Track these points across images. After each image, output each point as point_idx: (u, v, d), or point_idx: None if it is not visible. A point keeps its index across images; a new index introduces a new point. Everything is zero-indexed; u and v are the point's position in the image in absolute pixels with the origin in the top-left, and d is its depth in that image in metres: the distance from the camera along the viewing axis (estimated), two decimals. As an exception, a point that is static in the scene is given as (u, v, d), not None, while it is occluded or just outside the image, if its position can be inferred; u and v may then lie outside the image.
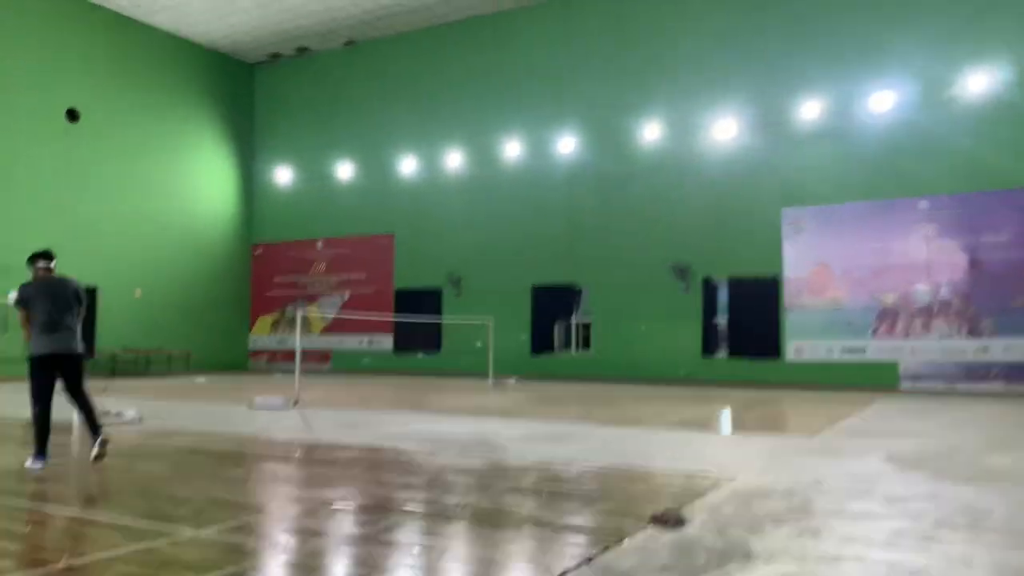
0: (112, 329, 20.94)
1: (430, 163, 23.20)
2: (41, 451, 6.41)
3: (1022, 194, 16.21)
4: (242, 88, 26.23)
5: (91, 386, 6.89)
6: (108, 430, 8.57)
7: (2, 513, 4.90)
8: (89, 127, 21.26)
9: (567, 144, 21.03)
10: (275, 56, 25.74)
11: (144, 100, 22.84)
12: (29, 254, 6.74)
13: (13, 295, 13.17)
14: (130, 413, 9.91)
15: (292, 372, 13.84)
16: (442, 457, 7.23)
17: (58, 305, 6.48)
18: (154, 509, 5.02)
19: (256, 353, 26.09)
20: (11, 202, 19.26)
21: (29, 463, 6.36)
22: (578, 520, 4.79)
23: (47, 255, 6.70)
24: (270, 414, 11.21)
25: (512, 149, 21.76)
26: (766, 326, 18.46)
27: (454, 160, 22.72)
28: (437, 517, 4.86)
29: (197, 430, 9.26)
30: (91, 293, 20.29)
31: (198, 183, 24.59)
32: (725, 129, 19.08)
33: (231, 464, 6.93)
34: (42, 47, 20.16)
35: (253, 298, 26.28)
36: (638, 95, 20.27)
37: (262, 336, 26.05)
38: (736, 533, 4.38)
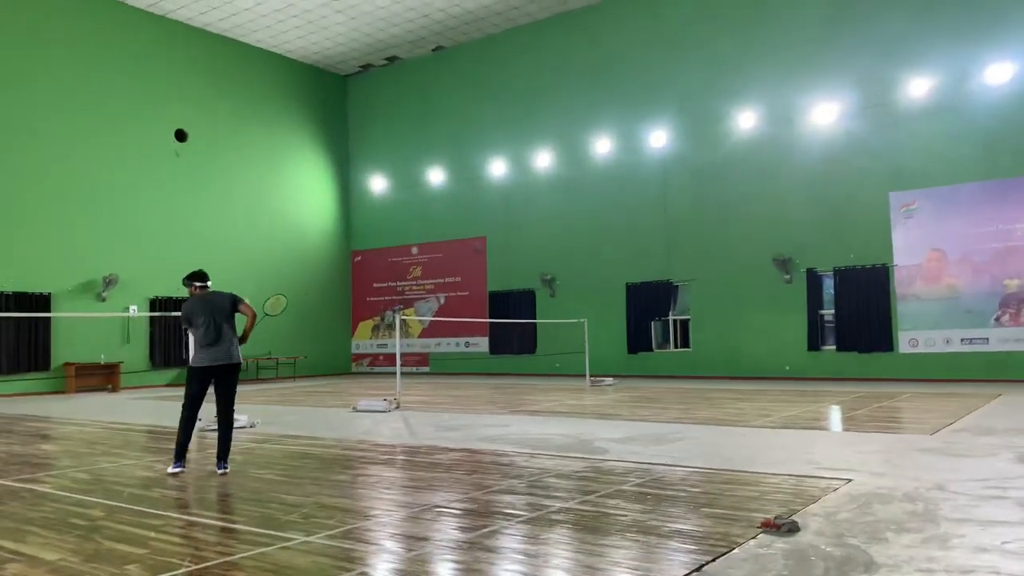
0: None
1: (520, 164, 23.25)
2: (180, 456, 6.93)
3: None
4: (336, 100, 27.02)
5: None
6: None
7: (129, 518, 5.17)
8: (197, 146, 22.36)
9: (659, 137, 20.63)
10: (366, 67, 26.39)
11: (246, 117, 23.85)
12: (184, 275, 7.41)
13: (135, 309, 13.89)
14: (242, 419, 10.33)
15: (392, 374, 14.13)
16: (542, 460, 7.19)
17: (216, 318, 6.94)
18: (267, 514, 5.19)
19: (358, 356, 26.84)
20: (128, 221, 20.46)
21: (170, 468, 6.88)
22: (684, 526, 4.65)
23: (201, 276, 7.29)
24: (373, 417, 11.47)
25: (603, 145, 21.52)
26: (877, 317, 17.56)
27: (544, 159, 22.68)
28: (540, 521, 4.82)
29: (304, 434, 9.57)
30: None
31: (299, 194, 25.49)
32: (826, 112, 18.26)
33: (338, 468, 7.10)
34: (152, 71, 21.34)
35: (354, 303, 27.04)
36: (732, 82, 19.68)
37: (363, 340, 26.76)
38: (855, 541, 4.15)
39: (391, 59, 25.73)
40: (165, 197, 21.38)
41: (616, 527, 4.65)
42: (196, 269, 7.44)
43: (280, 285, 24.17)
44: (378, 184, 26.45)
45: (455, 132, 24.71)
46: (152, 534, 4.70)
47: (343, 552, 4.26)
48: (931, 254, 17.09)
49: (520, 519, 4.91)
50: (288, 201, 25.02)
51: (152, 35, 21.37)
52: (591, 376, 17.90)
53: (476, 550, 4.23)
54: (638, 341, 20.80)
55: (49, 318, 18.35)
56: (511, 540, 4.46)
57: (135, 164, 20.77)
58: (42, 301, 18.43)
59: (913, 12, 17.46)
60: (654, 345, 20.80)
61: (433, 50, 25.00)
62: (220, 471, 6.81)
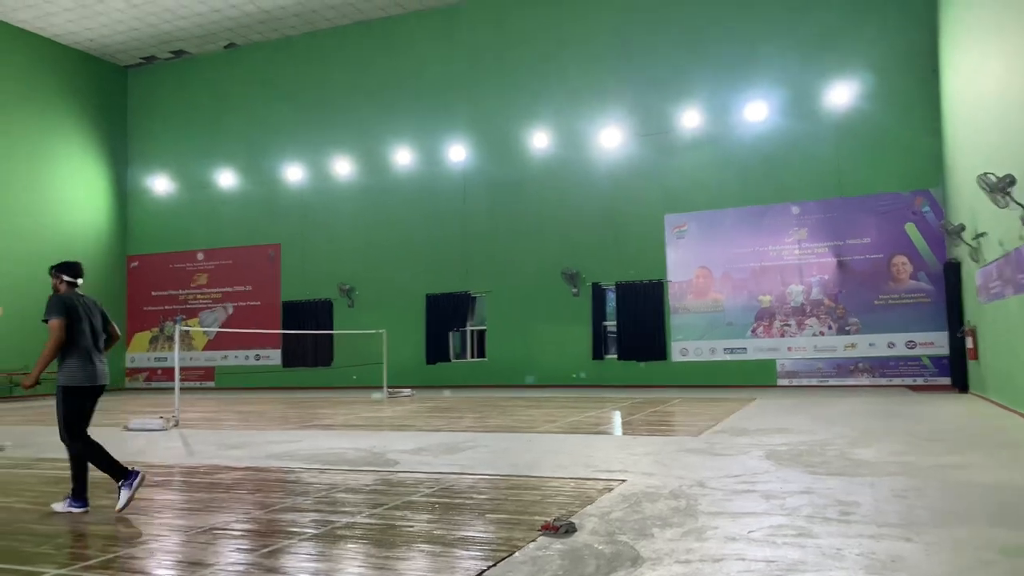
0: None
1: (318, 170, 22.68)
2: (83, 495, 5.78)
3: (878, 200, 17.40)
4: (113, 92, 24.83)
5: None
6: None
7: None
8: (-62, 132, 19.62)
9: (458, 151, 21.03)
10: (149, 59, 24.52)
11: (4, 102, 21.25)
12: (53, 263, 6.21)
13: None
14: (-12, 442, 9.16)
15: (172, 390, 13.18)
16: (331, 475, 7.04)
17: (97, 328, 6.12)
18: (13, 548, 4.64)
19: (133, 371, 24.72)
20: None
21: (77, 509, 5.68)
22: (469, 532, 4.75)
23: (77, 269, 6.20)
24: (147, 436, 10.63)
25: (403, 157, 21.55)
26: (653, 329, 19.03)
27: (343, 168, 22.29)
28: (325, 538, 4.71)
29: (61, 457, 8.64)
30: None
31: (67, 192, 23.07)
32: (611, 137, 19.58)
33: (100, 493, 6.48)
34: None
35: (129, 313, 24.88)
36: (527, 104, 20.51)
37: (139, 353, 24.70)
38: (625, 538, 4.46)
39: (177, 52, 24.14)
40: None
41: (403, 539, 4.65)
42: (70, 260, 6.26)
43: (41, 292, 21.75)
44: (160, 184, 24.63)
45: (248, 134, 23.62)
46: None
47: (103, 585, 3.91)
48: (699, 271, 18.82)
49: (304, 536, 4.77)
50: (52, 200, 22.60)
51: None
52: (389, 387, 17.79)
53: (257, 570, 4.05)
54: (437, 351, 20.99)
55: None
56: (294, 559, 4.32)
57: None
58: None
59: (687, 48, 19.20)
60: (452, 355, 21.09)
61: (225, 47, 23.78)
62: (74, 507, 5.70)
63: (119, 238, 24.83)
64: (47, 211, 22.37)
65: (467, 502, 5.71)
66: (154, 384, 24.21)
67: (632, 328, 19.24)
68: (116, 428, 11.77)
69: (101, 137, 24.37)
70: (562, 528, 4.58)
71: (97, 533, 5.01)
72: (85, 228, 23.61)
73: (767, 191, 18.33)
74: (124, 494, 5.59)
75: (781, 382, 17.95)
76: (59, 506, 5.72)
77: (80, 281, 6.12)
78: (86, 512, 5.63)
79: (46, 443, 9.93)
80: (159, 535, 4.97)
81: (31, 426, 12.75)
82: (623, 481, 6.27)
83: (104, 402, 18.42)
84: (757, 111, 18.40)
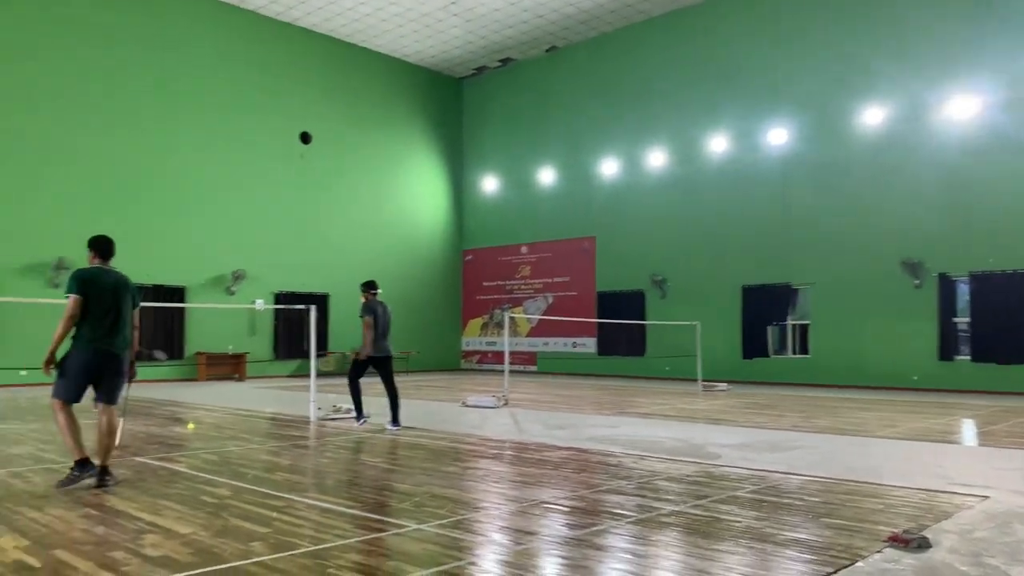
0: (342, 333, 22.76)
1: (632, 163, 22.99)
2: (360, 413, 9.79)
3: None
4: (451, 102, 27.56)
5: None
6: (340, 424, 9.32)
7: (253, 498, 5.43)
8: (319, 148, 23.32)
9: (779, 135, 19.90)
10: (480, 69, 26.78)
11: (365, 119, 24.68)
12: (363, 281, 10.17)
13: (261, 303, 14.83)
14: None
15: (501, 372, 14.26)
16: (651, 462, 7.07)
17: (386, 318, 9.84)
18: (380, 502, 5.34)
19: (468, 353, 27.26)
20: (255, 220, 21.55)
21: (359, 423, 9.64)
22: (802, 535, 4.46)
23: (375, 285, 10.00)
24: (482, 413, 11.62)
25: (718, 143, 20.98)
26: (1018, 326, 16.30)
27: (656, 158, 22.33)
28: (649, 523, 4.73)
29: (415, 426, 9.80)
30: (323, 299, 22.24)
31: (414, 195, 26.16)
32: (964, 107, 17.10)
33: (448, 460, 7.22)
34: (279, 77, 22.41)
35: (464, 301, 27.50)
36: (857, 79, 18.71)
37: (473, 337, 27.17)
38: (995, 562, 3.86)
39: (505, 61, 26.01)
40: (289, 197, 22.40)
41: (729, 533, 4.51)
42: (370, 279, 10.16)
43: (394, 283, 24.92)
44: (490, 184, 26.81)
45: (568, 132, 24.71)
46: (274, 514, 4.92)
47: (453, 541, 4.32)
48: (1083, 259, 15.69)
49: (629, 519, 4.84)
50: (403, 201, 25.72)
51: (280, 42, 22.45)
52: (703, 381, 17.48)
53: (584, 547, 4.20)
54: (753, 346, 20.14)
55: (183, 309, 19.63)
56: (620, 539, 4.40)
57: (262, 166, 21.87)
58: (177, 293, 19.71)
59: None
60: (770, 351, 20.08)
61: (547, 50, 25.09)
62: (394, 428, 9.34)
63: (456, 234, 27.52)
64: (399, 212, 25.54)
65: (797, 503, 5.37)
66: (484, 366, 26.46)
67: (991, 325, 16.65)
68: (455, 404, 13.06)
69: (441, 144, 27.20)
70: (913, 542, 4.09)
71: (446, 496, 5.56)
72: (428, 226, 26.55)
73: None
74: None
75: None
76: None
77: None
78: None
79: (402, 414, 11.32)
80: (498, 504, 5.38)
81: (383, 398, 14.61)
82: (986, 498, 5.45)
83: (443, 379, 20.57)
84: None
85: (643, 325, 21.78)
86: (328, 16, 22.24)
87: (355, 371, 9.75)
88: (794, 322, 19.93)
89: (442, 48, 24.82)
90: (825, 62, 19.38)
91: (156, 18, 19.86)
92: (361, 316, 9.63)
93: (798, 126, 19.72)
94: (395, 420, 9.48)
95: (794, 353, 19.97)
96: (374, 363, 9.64)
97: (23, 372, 14.38)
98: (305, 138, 23.03)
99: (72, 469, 5.79)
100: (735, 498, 5.49)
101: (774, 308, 19.94)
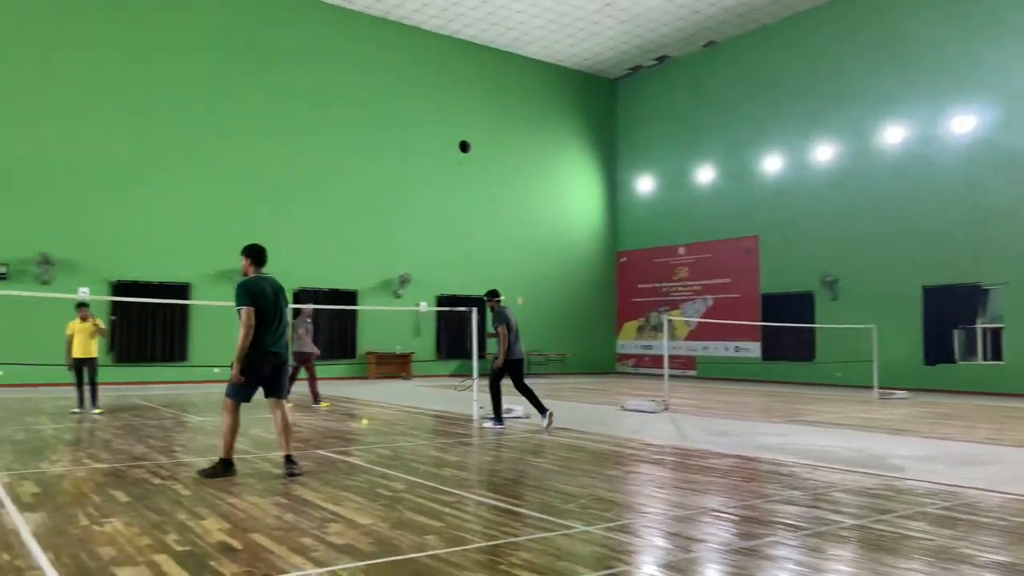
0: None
1: (796, 159, 21.91)
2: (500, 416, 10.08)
3: None
4: (604, 103, 27.48)
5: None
6: (492, 426, 9.52)
7: (425, 492, 5.66)
8: (478, 155, 23.99)
9: (964, 122, 18.27)
10: (635, 68, 26.51)
11: (521, 125, 25.12)
12: (489, 290, 10.67)
13: (424, 305, 15.51)
14: (518, 410, 10.89)
15: (658, 376, 14.02)
16: (826, 473, 6.70)
17: (516, 323, 10.24)
18: (546, 501, 5.41)
19: (623, 357, 27.04)
20: (419, 226, 22.49)
21: (495, 426, 9.86)
22: (1007, 558, 4.06)
23: (498, 293, 10.53)
24: (641, 417, 11.48)
25: (894, 134, 19.55)
26: None
27: (824, 153, 21.15)
28: (828, 536, 4.49)
29: (575, 428, 9.84)
30: (482, 302, 22.83)
31: (570, 197, 26.31)
32: None
33: (610, 463, 7.19)
34: (439, 87, 23.30)
35: (619, 304, 27.30)
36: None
37: (628, 341, 26.91)
38: None
39: (661, 59, 25.61)
40: (450, 203, 23.20)
41: (919, 551, 4.19)
42: (493, 288, 10.73)
43: (548, 285, 25.18)
44: (644, 185, 26.47)
45: (726, 129, 23.94)
46: (446, 509, 5.10)
47: (621, 545, 4.30)
48: None
49: (806, 531, 4.61)
50: (558, 204, 25.93)
51: (440, 55, 23.31)
52: (879, 388, 16.35)
53: (757, 558, 4.04)
54: (937, 351, 18.60)
55: (355, 311, 20.82)
56: (795, 552, 4.20)
57: (425, 174, 22.80)
58: (349, 297, 20.93)
59: None
60: (957, 356, 18.46)
61: (704, 46, 24.45)
62: (545, 420, 9.68)
63: (610, 236, 27.39)
64: (554, 215, 25.76)
65: (998, 522, 4.90)
66: (640, 370, 26.13)
67: None
68: (613, 407, 12.99)
69: (594, 146, 27.17)
70: None
71: (610, 499, 5.54)
72: (582, 228, 26.60)
73: None
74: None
75: None
76: None
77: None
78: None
79: (560, 416, 11.40)
80: (664, 509, 5.30)
81: (545, 399, 14.77)
82: None
83: (598, 382, 20.53)
84: None
85: (812, 329, 20.70)
86: (485, 27, 22.84)
87: (496, 377, 10.07)
88: (984, 325, 18.21)
89: (596, 50, 24.81)
90: (1020, 42, 17.59)
91: (338, 39, 21.22)
92: (495, 326, 10.06)
93: (987, 112, 18.02)
94: (542, 410, 9.74)
95: (985, 359, 18.24)
96: (510, 366, 9.98)
97: (216, 370, 15.84)
98: (464, 147, 23.76)
99: (217, 464, 6.31)
100: (924, 514, 5.09)
101: (960, 310, 18.31)
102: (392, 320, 21.61)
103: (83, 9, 18.00)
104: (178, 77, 18.95)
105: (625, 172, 27.33)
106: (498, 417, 10.02)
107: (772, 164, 22.47)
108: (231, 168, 19.51)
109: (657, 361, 23.42)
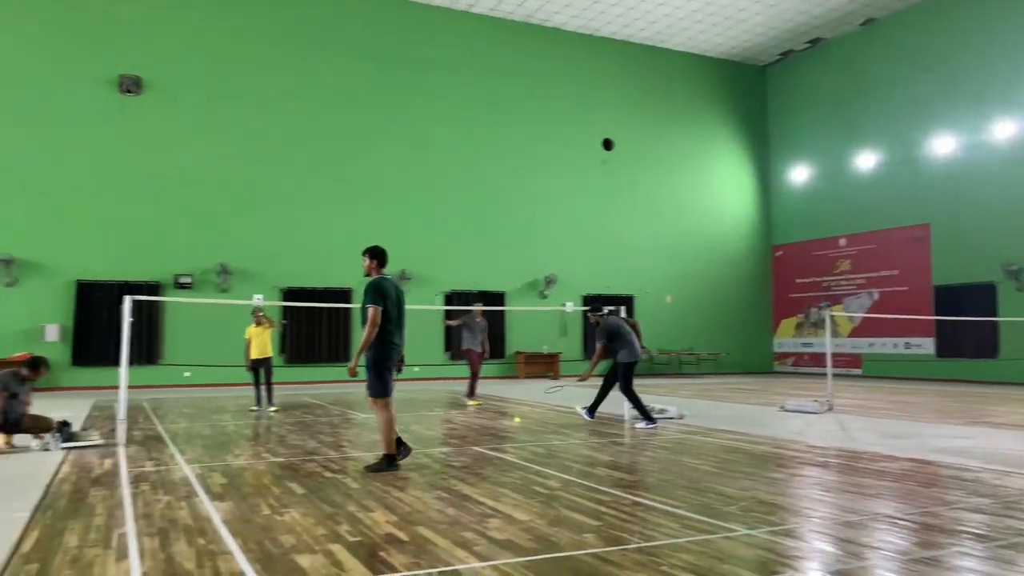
0: (648, 333, 22.92)
1: (971, 139, 20.13)
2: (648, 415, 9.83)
3: None
4: (754, 92, 26.45)
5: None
6: (645, 426, 9.39)
7: (580, 491, 5.68)
8: (621, 152, 23.79)
9: None
10: (786, 53, 25.35)
11: (666, 120, 24.66)
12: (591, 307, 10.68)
13: (570, 305, 15.53)
14: (672, 410, 10.69)
15: (819, 375, 13.33)
16: (1019, 479, 6.11)
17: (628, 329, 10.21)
18: (705, 503, 5.27)
19: (781, 355, 25.89)
20: (563, 227, 22.60)
21: (647, 425, 9.64)
22: None
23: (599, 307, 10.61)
24: (803, 418, 10.95)
25: (1088, 106, 17.58)
26: None
27: (1004, 130, 19.31)
28: (1021, 548, 4.09)
29: (732, 429, 9.53)
30: (628, 301, 22.61)
31: (719, 191, 25.54)
32: None
33: (771, 466, 6.91)
34: (582, 86, 23.31)
35: (775, 300, 26.17)
36: None
37: (786, 339, 25.74)
38: None
39: (813, 41, 24.36)
40: (594, 203, 23.16)
41: None
42: (595, 304, 10.98)
43: (699, 283, 24.55)
44: (799, 174, 25.26)
45: (888, 111, 22.40)
46: (603, 508, 5.10)
47: (787, 550, 4.12)
48: None
49: (997, 542, 4.23)
50: (706, 199, 25.25)
51: (581, 53, 23.35)
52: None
53: (942, 569, 3.75)
54: None
55: (504, 312, 21.23)
56: (985, 563, 3.86)
57: (570, 175, 22.91)
58: (498, 298, 21.35)
59: None
60: None
61: (862, 24, 23.01)
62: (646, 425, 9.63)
63: (764, 230, 26.31)
64: (703, 210, 25.07)
65: None
66: (800, 369, 24.92)
67: None
68: (772, 408, 12.47)
69: (743, 137, 26.20)
70: None
71: (773, 502, 5.33)
72: (733, 223, 25.71)
73: None
74: None
75: None
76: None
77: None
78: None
79: (716, 416, 11.08)
80: (831, 514, 5.02)
81: (699, 400, 14.41)
82: None
83: (755, 382, 19.89)
84: None
85: (995, 323, 18.97)
86: (627, 22, 22.63)
87: (624, 382, 10.02)
88: None
89: (743, 37, 23.96)
90: None
91: (481, 46, 21.80)
92: (599, 339, 10.18)
93: None
94: (650, 419, 9.75)
95: None
96: (627, 368, 9.97)
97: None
98: (607, 144, 23.64)
99: (382, 460, 6.58)
100: None
101: None
102: (539, 320, 21.83)
103: (256, 37, 19.51)
104: (334, 99, 20.15)
105: (778, 162, 26.20)
106: (649, 417, 9.83)
107: (943, 146, 20.80)
108: (382, 180, 20.48)
109: (818, 359, 22.22)
